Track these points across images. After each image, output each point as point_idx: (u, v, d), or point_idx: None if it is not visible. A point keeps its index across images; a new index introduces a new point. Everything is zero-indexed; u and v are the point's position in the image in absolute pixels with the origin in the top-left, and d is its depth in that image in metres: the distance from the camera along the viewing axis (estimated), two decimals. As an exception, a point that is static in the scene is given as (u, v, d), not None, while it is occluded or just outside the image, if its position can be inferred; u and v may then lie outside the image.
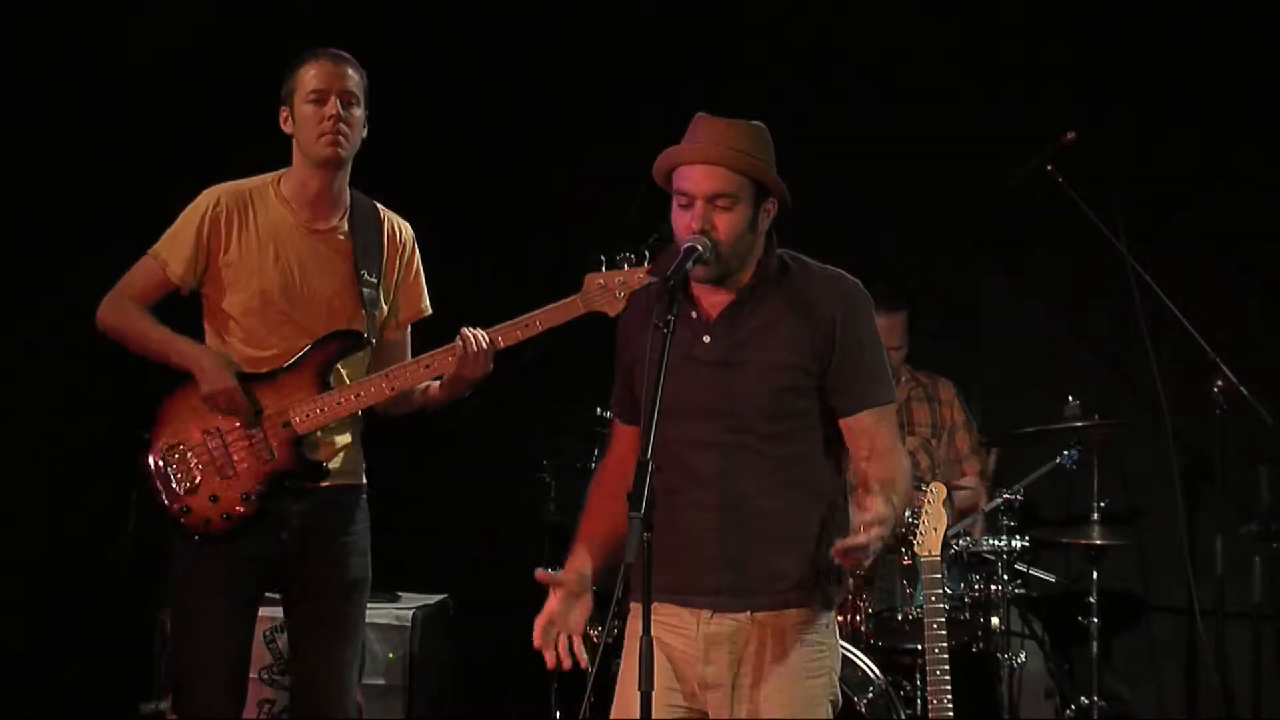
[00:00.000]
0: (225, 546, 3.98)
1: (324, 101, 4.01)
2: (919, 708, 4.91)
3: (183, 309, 4.13)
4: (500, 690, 6.10)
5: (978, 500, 5.54)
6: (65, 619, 5.52)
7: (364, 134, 4.09)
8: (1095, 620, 5.26)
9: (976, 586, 5.17)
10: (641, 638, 3.11)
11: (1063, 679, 5.50)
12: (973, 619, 5.14)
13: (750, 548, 3.37)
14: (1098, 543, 5.24)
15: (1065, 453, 5.27)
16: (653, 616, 3.15)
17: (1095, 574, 5.30)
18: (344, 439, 4.13)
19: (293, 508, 4.03)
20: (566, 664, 3.39)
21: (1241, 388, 5.29)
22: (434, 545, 6.08)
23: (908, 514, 5.00)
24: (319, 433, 4.06)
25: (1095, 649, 5.27)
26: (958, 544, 5.15)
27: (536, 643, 3.39)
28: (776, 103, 5.82)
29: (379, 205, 4.20)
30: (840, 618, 4.99)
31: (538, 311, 4.01)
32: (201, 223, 4.04)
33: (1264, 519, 5.38)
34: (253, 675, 5.02)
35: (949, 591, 4.88)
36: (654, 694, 3.19)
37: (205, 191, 4.09)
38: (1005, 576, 5.15)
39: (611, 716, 3.43)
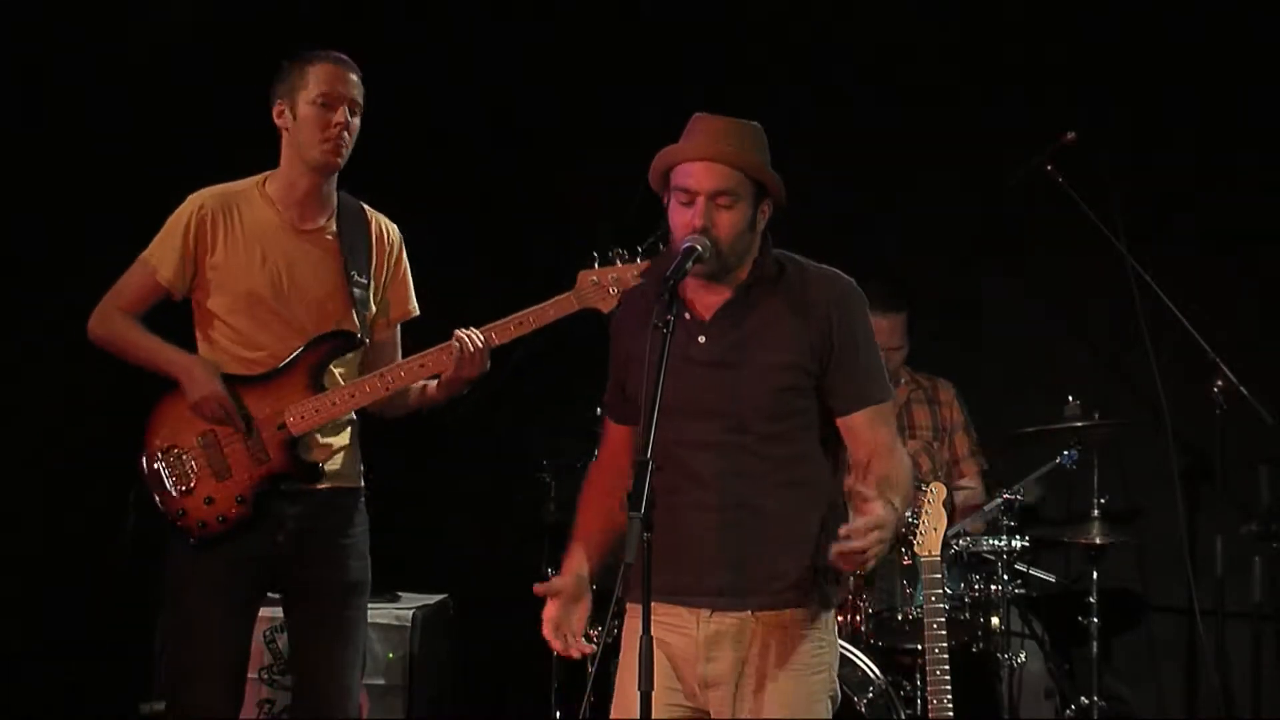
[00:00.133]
0: (222, 548, 3.98)
1: (332, 108, 4.01)
2: (919, 708, 4.91)
3: (173, 314, 4.13)
4: (500, 690, 6.10)
5: (978, 500, 5.54)
6: (65, 619, 5.52)
7: None
8: (1095, 620, 5.26)
9: (976, 586, 5.17)
10: (641, 637, 3.11)
11: (1063, 679, 5.49)
12: (973, 619, 5.14)
13: (750, 548, 3.37)
14: (1098, 542, 5.25)
15: (1065, 453, 5.27)
16: (652, 617, 3.15)
17: (1095, 574, 5.30)
18: (341, 441, 4.12)
19: (289, 510, 4.02)
20: (585, 651, 3.43)
21: (1241, 388, 5.29)
22: (434, 545, 6.08)
23: (908, 514, 5.02)
24: (315, 434, 4.05)
25: (1095, 649, 5.27)
26: (958, 544, 5.15)
27: (555, 647, 3.44)
28: (776, 103, 5.83)
29: (365, 206, 4.19)
30: (840, 618, 4.99)
31: (532, 309, 4.02)
32: (187, 227, 4.03)
33: (1264, 519, 5.38)
34: (253, 675, 5.03)
35: (949, 591, 4.88)
36: (656, 695, 3.20)
37: (190, 196, 4.09)
38: (1005, 576, 5.14)
39: (612, 717, 3.44)
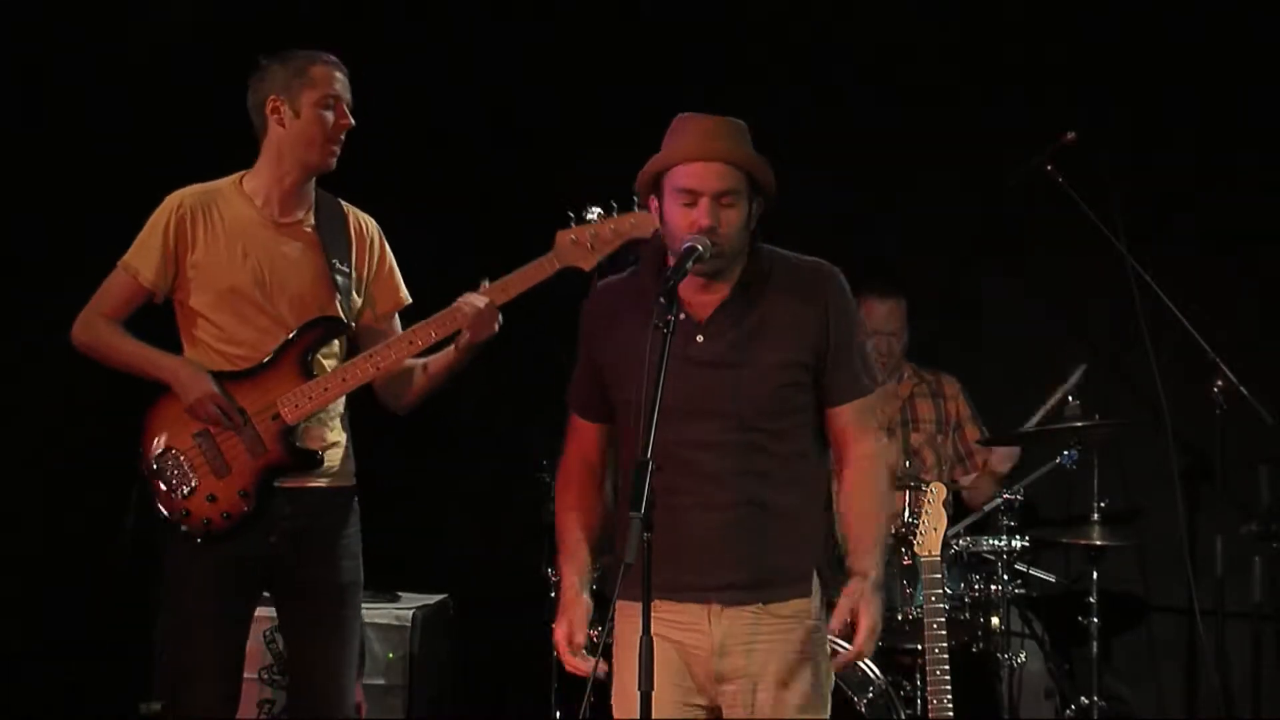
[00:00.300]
0: (220, 547, 3.97)
1: (339, 111, 4.02)
2: (919, 708, 4.91)
3: (154, 320, 4.12)
4: (500, 690, 6.10)
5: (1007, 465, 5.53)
6: (65, 619, 5.52)
7: None
8: (1095, 620, 5.25)
9: (976, 586, 5.17)
10: (641, 637, 3.12)
11: (1063, 679, 5.49)
12: (973, 619, 5.14)
13: (761, 543, 3.41)
14: (1098, 543, 5.24)
15: (1065, 453, 5.27)
16: (656, 615, 3.17)
17: (1095, 574, 5.29)
18: (333, 436, 4.12)
19: (284, 509, 4.02)
20: (603, 668, 3.45)
21: (1241, 388, 5.29)
22: (434, 545, 6.08)
23: (908, 514, 5.02)
24: (309, 426, 4.05)
25: (1095, 649, 5.26)
26: (958, 544, 5.15)
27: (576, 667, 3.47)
28: (776, 103, 5.84)
29: (341, 201, 4.20)
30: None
31: (515, 273, 4.04)
32: (167, 227, 4.04)
33: (1264, 519, 5.38)
34: (253, 675, 5.03)
35: (949, 591, 4.88)
36: (664, 693, 3.26)
37: (168, 196, 4.09)
38: (1005, 576, 5.14)
39: (615, 717, 3.44)
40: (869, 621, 3.39)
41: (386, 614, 5.37)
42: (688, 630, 3.42)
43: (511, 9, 6.17)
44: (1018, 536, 5.16)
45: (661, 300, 3.22)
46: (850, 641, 3.43)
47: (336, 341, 4.13)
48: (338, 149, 4.05)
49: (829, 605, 3.50)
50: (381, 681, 5.32)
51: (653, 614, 3.14)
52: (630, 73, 6.08)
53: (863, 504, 3.49)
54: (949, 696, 4.43)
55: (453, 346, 4.08)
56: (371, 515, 4.21)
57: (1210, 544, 5.38)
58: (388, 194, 4.27)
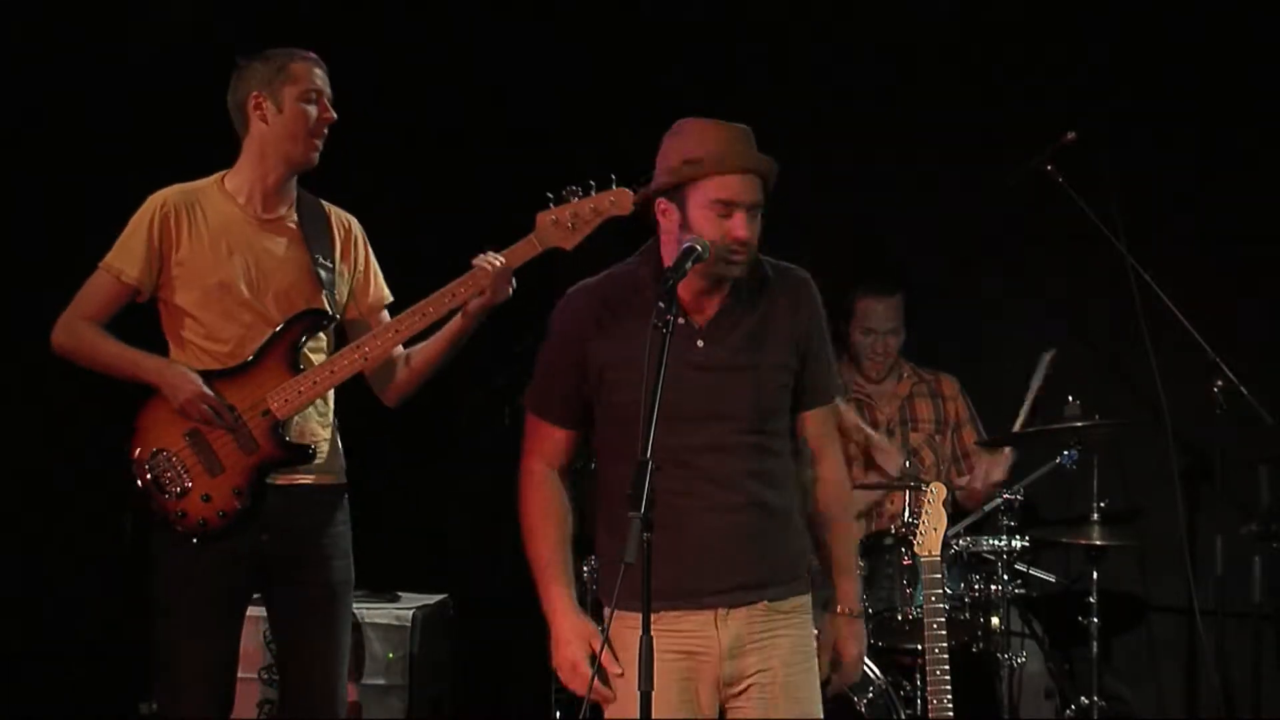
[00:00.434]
0: (215, 546, 3.95)
1: (321, 105, 4.03)
2: (919, 708, 4.91)
3: (137, 321, 4.11)
4: (500, 690, 6.10)
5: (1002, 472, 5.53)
6: (65, 619, 5.52)
7: None
8: (1095, 620, 5.26)
9: (976, 586, 5.17)
10: (641, 637, 3.11)
11: (1063, 679, 5.49)
12: (973, 619, 5.14)
13: (766, 542, 3.46)
14: (1098, 543, 5.24)
15: (1065, 453, 5.27)
16: (657, 628, 3.16)
17: (1095, 574, 5.29)
18: (323, 433, 4.11)
19: (275, 507, 4.00)
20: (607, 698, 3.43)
21: (1241, 388, 5.29)
22: (434, 545, 6.08)
23: (908, 514, 5.02)
24: (298, 422, 4.04)
25: (1095, 649, 5.26)
26: (958, 544, 5.15)
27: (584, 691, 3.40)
28: (777, 103, 5.83)
29: (320, 200, 4.19)
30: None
31: (500, 254, 4.02)
32: (151, 225, 4.03)
33: (1264, 519, 5.38)
34: (253, 675, 5.03)
35: (949, 591, 4.88)
36: (673, 706, 3.27)
37: (151, 196, 4.09)
38: (1005, 576, 5.14)
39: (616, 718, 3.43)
40: (857, 651, 3.60)
41: (386, 614, 5.37)
42: (693, 638, 3.42)
43: (511, 9, 6.16)
44: (1018, 536, 5.16)
45: (661, 300, 3.21)
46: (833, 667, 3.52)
47: (324, 335, 4.12)
48: (320, 143, 4.05)
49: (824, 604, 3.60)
50: (381, 681, 5.32)
51: (653, 627, 3.13)
52: (630, 73, 6.08)
53: (839, 530, 3.61)
54: (949, 696, 4.43)
55: (460, 314, 4.03)
56: (372, 515, 4.21)
57: (1210, 544, 5.39)
58: (387, 193, 4.26)
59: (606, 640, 3.34)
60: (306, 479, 4.05)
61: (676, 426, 3.28)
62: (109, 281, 4.05)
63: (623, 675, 3.36)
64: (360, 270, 4.20)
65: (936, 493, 4.57)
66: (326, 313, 4.08)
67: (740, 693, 3.44)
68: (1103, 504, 5.25)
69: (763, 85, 5.99)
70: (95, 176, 5.51)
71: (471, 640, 5.79)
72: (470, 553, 6.16)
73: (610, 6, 6.15)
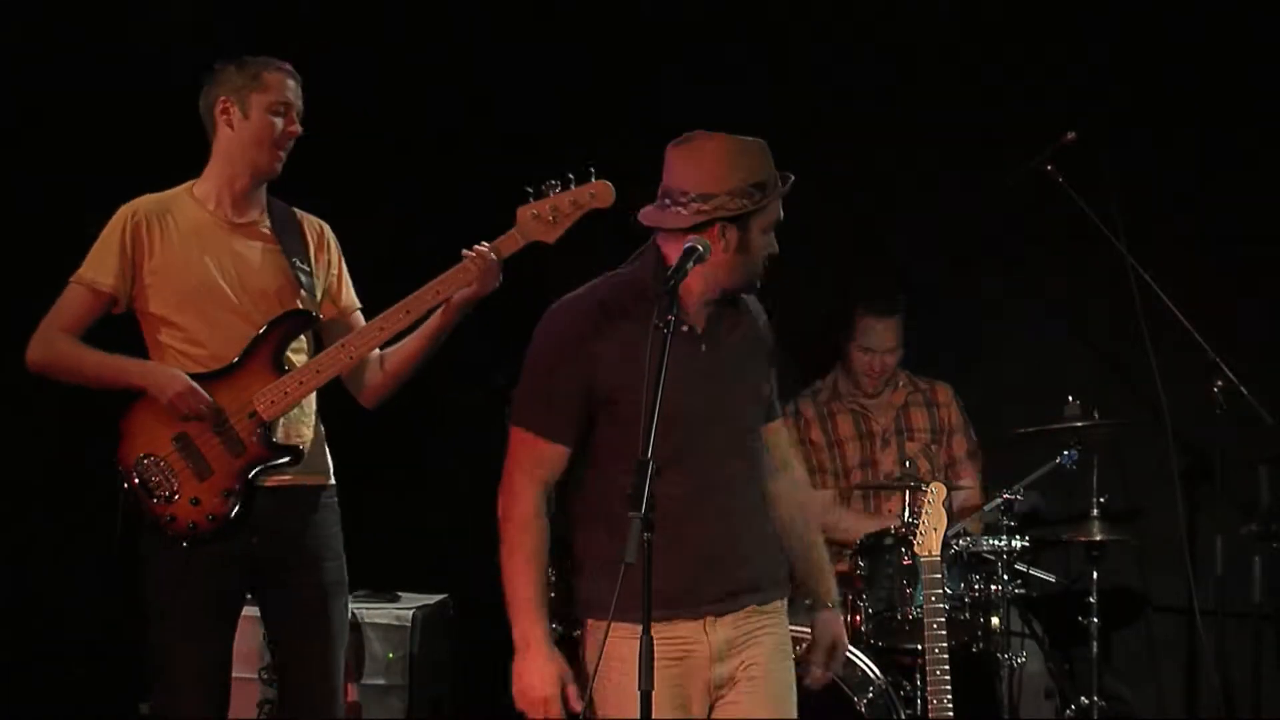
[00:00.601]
0: (205, 549, 3.95)
1: (286, 117, 4.04)
2: (919, 708, 4.91)
3: (112, 331, 4.10)
4: (500, 690, 6.08)
5: (976, 501, 5.54)
6: (65, 619, 5.51)
7: None
8: (1095, 620, 5.26)
9: (976, 586, 5.16)
10: (642, 637, 3.11)
11: (1063, 679, 5.49)
12: (973, 619, 5.14)
13: (759, 546, 3.49)
14: (1097, 538, 5.25)
15: (1065, 453, 5.27)
16: (653, 634, 3.14)
17: (1095, 574, 5.30)
18: (310, 434, 4.11)
19: (264, 509, 3.99)
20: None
21: (1241, 388, 5.29)
22: (434, 545, 6.07)
23: (908, 514, 5.02)
24: (285, 422, 4.03)
25: (1095, 649, 5.27)
26: (958, 544, 5.15)
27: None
28: (777, 103, 5.83)
29: (291, 206, 4.20)
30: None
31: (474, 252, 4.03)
32: (123, 234, 4.04)
33: (1264, 519, 5.39)
34: (253, 675, 5.03)
35: (949, 591, 4.88)
36: (666, 712, 3.29)
37: (121, 206, 4.09)
38: (1005, 576, 5.14)
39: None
40: (846, 639, 3.67)
41: (386, 614, 5.37)
42: (684, 644, 3.41)
43: (511, 9, 6.16)
44: (1018, 536, 5.16)
45: (662, 300, 3.21)
46: (853, 643, 3.53)
47: (304, 336, 4.12)
48: (284, 155, 4.06)
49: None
50: (381, 681, 5.32)
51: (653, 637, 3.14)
52: (630, 72, 6.08)
53: (812, 532, 3.67)
54: (949, 696, 4.43)
55: (440, 310, 4.03)
56: (372, 515, 4.20)
57: (1210, 544, 5.39)
58: (384, 194, 4.26)
59: (602, 651, 3.28)
60: (295, 480, 4.05)
61: (683, 430, 3.29)
62: (83, 294, 4.04)
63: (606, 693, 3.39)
64: (334, 274, 4.21)
65: (936, 493, 4.57)
66: (309, 314, 4.09)
67: (728, 690, 3.45)
68: (1102, 503, 5.26)
69: (763, 85, 5.99)
70: (95, 177, 5.51)
71: (471, 640, 5.78)
72: (470, 553, 6.11)
73: (610, 6, 6.15)
